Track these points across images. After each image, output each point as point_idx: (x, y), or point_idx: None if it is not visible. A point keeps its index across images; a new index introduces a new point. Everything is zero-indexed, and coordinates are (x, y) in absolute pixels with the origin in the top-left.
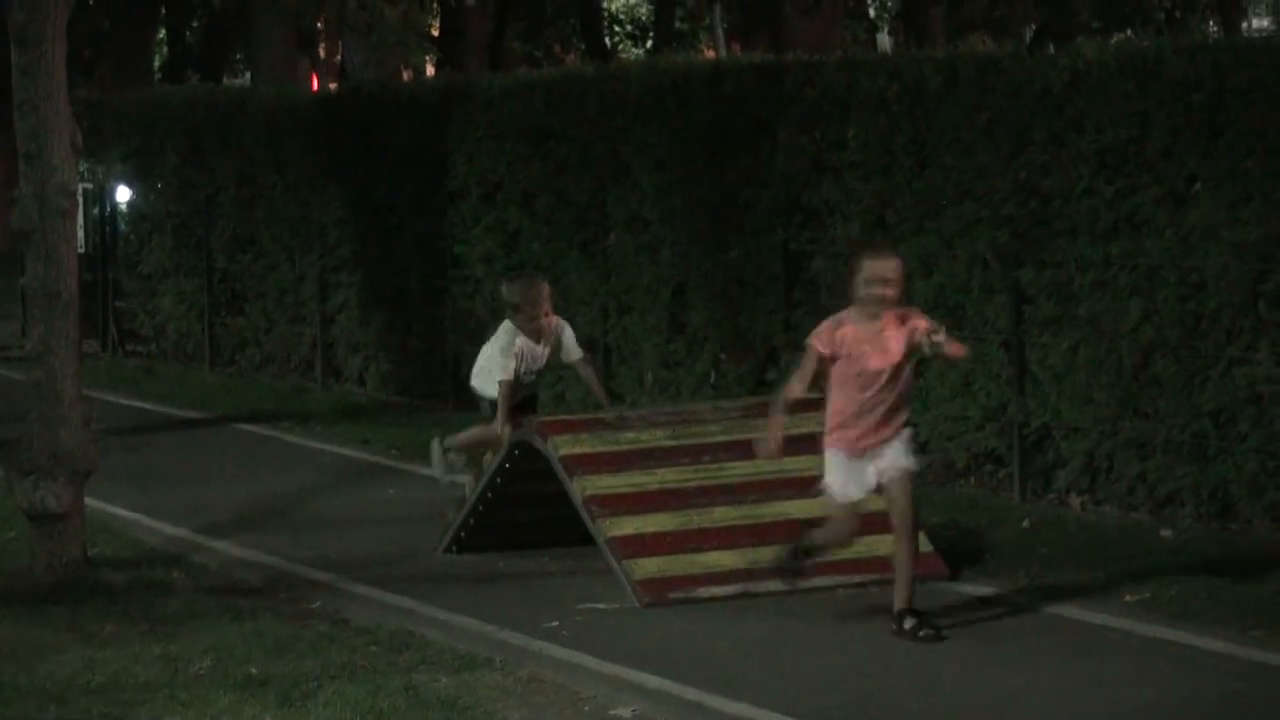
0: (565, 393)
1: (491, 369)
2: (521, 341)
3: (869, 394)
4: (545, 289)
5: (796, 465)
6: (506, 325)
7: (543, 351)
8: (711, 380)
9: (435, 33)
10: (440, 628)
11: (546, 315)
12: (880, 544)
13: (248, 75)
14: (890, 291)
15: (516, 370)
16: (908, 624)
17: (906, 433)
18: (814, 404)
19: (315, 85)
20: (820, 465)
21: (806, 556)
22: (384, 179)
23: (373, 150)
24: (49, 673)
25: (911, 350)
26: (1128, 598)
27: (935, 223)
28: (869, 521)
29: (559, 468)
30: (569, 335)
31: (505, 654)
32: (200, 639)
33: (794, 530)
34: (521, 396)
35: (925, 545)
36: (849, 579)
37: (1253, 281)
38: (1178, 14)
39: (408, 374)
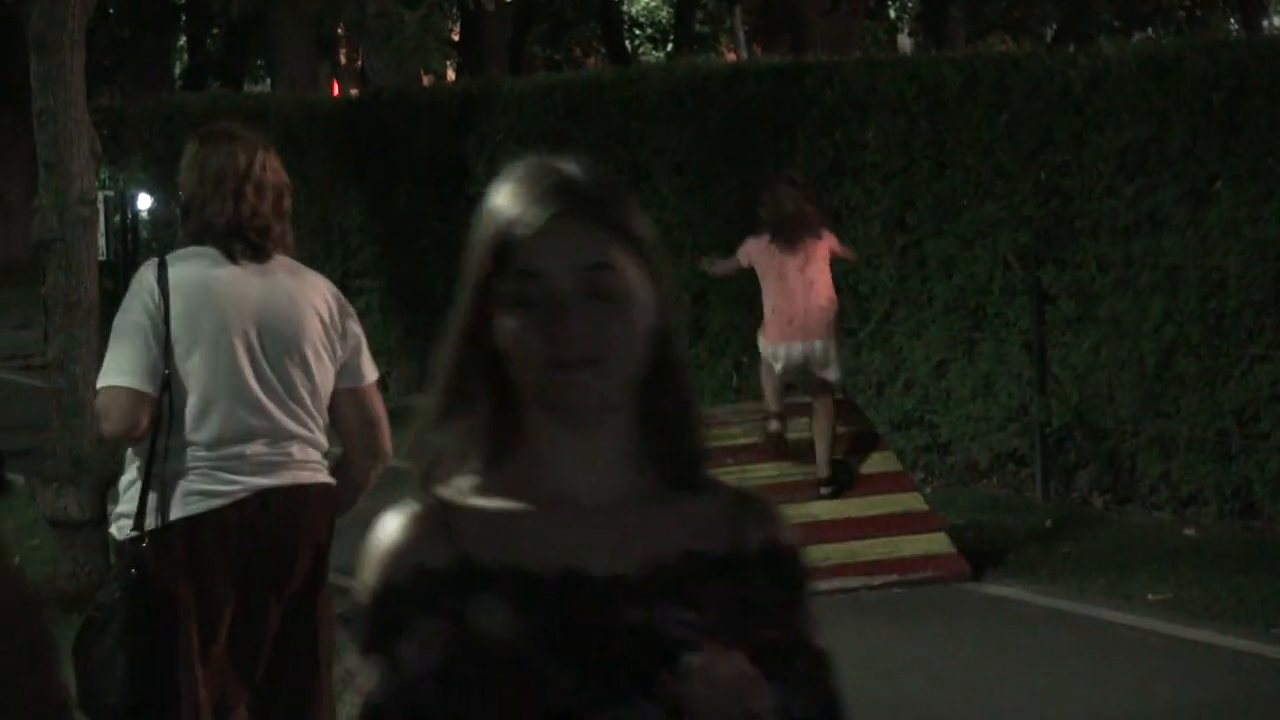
0: None
1: None
2: None
3: None
4: None
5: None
6: None
7: None
8: (733, 384)
9: (455, 37)
10: None
11: None
12: (905, 544)
13: (268, 81)
14: None
15: None
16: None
17: None
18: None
19: (336, 90)
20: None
21: None
22: (404, 184)
23: (392, 155)
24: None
25: None
26: (1150, 597)
27: (955, 224)
28: (893, 522)
29: None
30: None
31: None
32: None
33: (817, 533)
34: None
35: (948, 546)
36: (871, 580)
37: (1274, 279)
38: (1198, 12)
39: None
